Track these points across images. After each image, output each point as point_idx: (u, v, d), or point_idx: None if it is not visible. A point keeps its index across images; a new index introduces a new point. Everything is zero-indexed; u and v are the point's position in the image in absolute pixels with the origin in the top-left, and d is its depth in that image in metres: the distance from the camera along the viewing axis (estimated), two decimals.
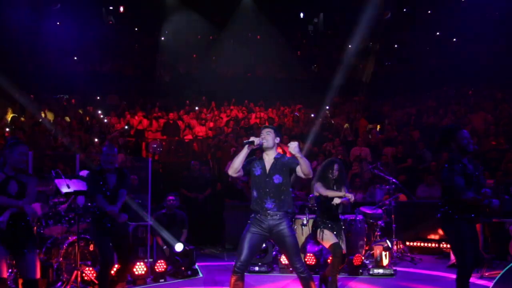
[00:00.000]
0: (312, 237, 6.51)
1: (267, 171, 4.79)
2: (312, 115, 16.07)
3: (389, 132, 13.78)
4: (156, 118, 15.83)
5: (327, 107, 15.86)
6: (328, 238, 6.09)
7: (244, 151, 4.74)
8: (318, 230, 6.17)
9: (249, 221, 4.81)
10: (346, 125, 14.78)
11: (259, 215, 4.74)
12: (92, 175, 5.94)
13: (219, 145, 13.19)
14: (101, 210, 5.70)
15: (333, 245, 6.06)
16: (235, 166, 4.75)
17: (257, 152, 4.94)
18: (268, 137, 4.82)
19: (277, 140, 4.89)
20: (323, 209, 6.26)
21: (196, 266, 7.87)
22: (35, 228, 6.70)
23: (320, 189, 6.24)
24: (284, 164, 4.79)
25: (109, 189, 5.77)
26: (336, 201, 6.18)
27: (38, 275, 4.72)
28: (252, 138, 4.76)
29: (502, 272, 4.93)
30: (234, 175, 4.83)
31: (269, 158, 4.85)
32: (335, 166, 6.29)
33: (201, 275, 7.69)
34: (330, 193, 6.19)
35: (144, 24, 21.68)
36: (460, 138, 4.91)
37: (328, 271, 6.20)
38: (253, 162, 4.88)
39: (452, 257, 8.15)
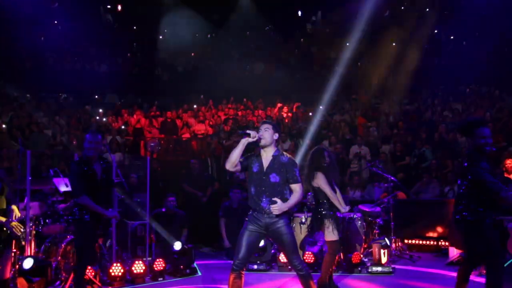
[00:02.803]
0: (316, 227, 6.39)
1: (264, 169, 4.73)
2: (310, 114, 16.05)
3: (387, 130, 13.78)
4: (155, 117, 15.81)
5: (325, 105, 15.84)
6: (332, 233, 6.10)
7: (240, 144, 4.68)
8: (326, 220, 6.12)
9: (246, 218, 4.80)
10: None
11: (256, 212, 4.72)
12: (77, 166, 5.51)
13: (218, 144, 13.16)
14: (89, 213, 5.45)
15: (336, 242, 6.12)
16: (232, 160, 4.70)
17: (256, 149, 4.90)
18: (265, 134, 4.75)
19: (276, 136, 4.82)
20: (330, 200, 6.22)
21: (195, 265, 7.87)
22: (33, 227, 6.70)
23: (324, 185, 6.14)
24: (283, 166, 4.72)
25: (97, 181, 5.53)
26: (343, 210, 6.21)
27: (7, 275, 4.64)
28: (248, 131, 4.72)
29: None
30: (232, 169, 4.77)
31: (267, 155, 4.78)
32: (325, 153, 6.31)
33: (199, 273, 7.68)
34: (332, 198, 6.14)
35: (142, 23, 21.65)
36: (478, 136, 4.61)
37: (324, 271, 6.17)
38: (251, 158, 4.83)
39: (451, 254, 8.17)
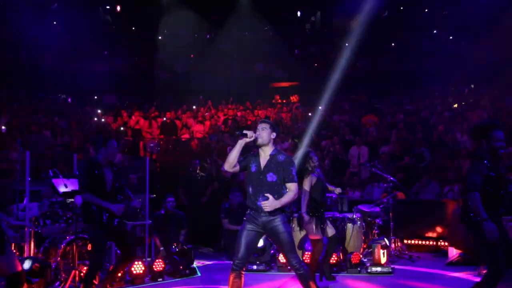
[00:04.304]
0: (300, 225, 6.78)
1: (261, 168, 4.73)
2: (310, 114, 16.06)
3: (387, 130, 13.77)
4: (154, 118, 15.82)
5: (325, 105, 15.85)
6: (315, 232, 6.38)
7: (238, 145, 4.69)
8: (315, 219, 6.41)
9: (244, 218, 4.80)
10: None
11: (253, 211, 4.72)
12: (87, 165, 5.59)
13: (217, 144, 13.18)
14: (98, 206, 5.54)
15: (318, 240, 6.41)
16: (230, 160, 4.72)
17: (254, 149, 4.90)
18: (263, 133, 4.74)
19: (273, 135, 4.81)
20: (315, 203, 6.44)
21: (194, 265, 7.87)
22: (32, 227, 6.71)
23: (307, 188, 6.47)
24: (280, 165, 4.71)
25: (106, 186, 5.58)
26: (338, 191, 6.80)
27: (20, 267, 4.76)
28: (245, 131, 4.71)
29: None
30: (230, 170, 4.78)
31: (265, 154, 4.78)
32: (311, 155, 6.50)
33: (199, 274, 7.68)
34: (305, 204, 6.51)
35: (141, 23, 21.66)
36: (495, 139, 4.60)
37: (311, 269, 6.35)
38: (249, 158, 4.83)
39: (450, 254, 8.17)
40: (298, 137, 13.35)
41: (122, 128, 14.80)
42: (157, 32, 21.19)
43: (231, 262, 4.71)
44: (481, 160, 4.61)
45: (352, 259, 7.52)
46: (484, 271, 6.74)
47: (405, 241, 9.35)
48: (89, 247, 6.81)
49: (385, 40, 20.92)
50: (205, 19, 20.77)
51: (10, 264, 4.65)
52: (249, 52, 20.72)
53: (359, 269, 7.54)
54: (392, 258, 8.31)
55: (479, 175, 4.55)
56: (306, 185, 6.44)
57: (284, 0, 21.49)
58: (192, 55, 21.48)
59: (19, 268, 4.73)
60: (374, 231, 8.59)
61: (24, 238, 6.64)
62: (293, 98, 18.17)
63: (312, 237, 6.45)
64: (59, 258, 6.54)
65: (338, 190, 7.18)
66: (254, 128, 4.89)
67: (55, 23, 19.64)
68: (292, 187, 4.72)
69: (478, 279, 6.66)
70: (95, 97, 18.51)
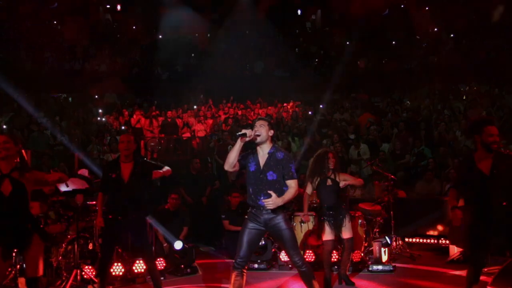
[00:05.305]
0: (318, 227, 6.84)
1: (261, 167, 4.72)
2: (310, 113, 16.06)
3: (387, 128, 13.76)
4: (155, 116, 15.82)
5: (325, 104, 15.86)
6: (325, 233, 6.41)
7: (238, 145, 4.67)
8: (321, 222, 6.51)
9: (246, 216, 4.80)
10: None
11: (254, 209, 4.72)
12: (104, 166, 6.06)
13: (218, 143, 13.18)
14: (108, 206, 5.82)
15: (327, 241, 6.42)
16: (230, 161, 4.70)
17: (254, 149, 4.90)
18: (261, 130, 4.72)
19: (271, 133, 4.80)
20: (323, 205, 6.49)
21: (195, 264, 7.87)
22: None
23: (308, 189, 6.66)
24: (279, 162, 4.70)
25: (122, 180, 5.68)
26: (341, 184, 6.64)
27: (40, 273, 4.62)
28: (244, 130, 4.70)
29: (501, 268, 4.94)
30: (231, 169, 4.78)
31: (263, 152, 4.77)
32: (330, 155, 6.44)
33: (200, 272, 7.69)
34: (304, 206, 6.85)
35: (141, 22, 21.65)
36: (487, 134, 4.73)
37: (325, 267, 6.42)
38: (248, 157, 4.81)
39: (451, 252, 8.18)
40: (298, 135, 13.36)
41: (123, 127, 14.80)
42: (158, 30, 21.18)
43: (233, 261, 4.72)
44: (468, 157, 4.91)
45: (353, 258, 7.52)
46: (486, 269, 6.79)
47: (406, 239, 9.34)
48: (90, 246, 6.86)
49: (386, 39, 20.90)
50: (205, 18, 20.76)
51: (32, 267, 4.53)
52: (250, 50, 20.72)
53: (360, 267, 7.55)
54: (393, 256, 8.31)
55: (459, 172, 5.04)
56: (308, 188, 6.55)
57: None
58: (192, 54, 21.48)
59: (40, 273, 4.61)
60: (375, 230, 8.60)
61: None
62: (293, 98, 18.13)
63: (323, 238, 6.50)
64: (60, 257, 6.56)
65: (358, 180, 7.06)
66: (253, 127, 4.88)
67: (55, 22, 19.65)
68: (292, 184, 4.72)
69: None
70: (96, 96, 18.49)
